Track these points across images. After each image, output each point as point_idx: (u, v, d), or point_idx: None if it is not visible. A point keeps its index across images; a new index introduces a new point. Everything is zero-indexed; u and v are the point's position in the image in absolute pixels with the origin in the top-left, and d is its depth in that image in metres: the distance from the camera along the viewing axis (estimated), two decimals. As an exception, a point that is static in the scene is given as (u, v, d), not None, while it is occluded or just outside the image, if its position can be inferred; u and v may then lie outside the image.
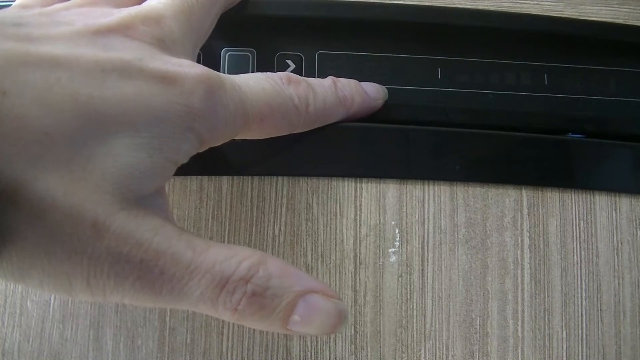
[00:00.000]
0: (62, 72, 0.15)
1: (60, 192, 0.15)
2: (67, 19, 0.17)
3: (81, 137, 0.15)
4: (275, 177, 0.24)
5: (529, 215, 0.25)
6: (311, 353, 0.23)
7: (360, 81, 0.25)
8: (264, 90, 0.20)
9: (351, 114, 0.24)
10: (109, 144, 0.16)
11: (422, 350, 0.24)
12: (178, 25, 0.20)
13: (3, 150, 0.14)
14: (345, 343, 0.24)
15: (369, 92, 0.25)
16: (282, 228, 0.24)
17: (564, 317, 0.24)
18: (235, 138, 0.21)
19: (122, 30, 0.18)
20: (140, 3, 0.21)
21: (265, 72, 0.22)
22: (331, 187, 0.25)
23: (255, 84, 0.20)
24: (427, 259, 0.24)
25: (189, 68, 0.18)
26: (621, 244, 0.25)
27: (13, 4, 0.20)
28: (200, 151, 0.19)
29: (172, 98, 0.17)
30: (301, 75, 0.23)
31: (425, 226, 0.25)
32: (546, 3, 0.27)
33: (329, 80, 0.24)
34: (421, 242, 0.25)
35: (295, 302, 0.17)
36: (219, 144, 0.20)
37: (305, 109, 0.22)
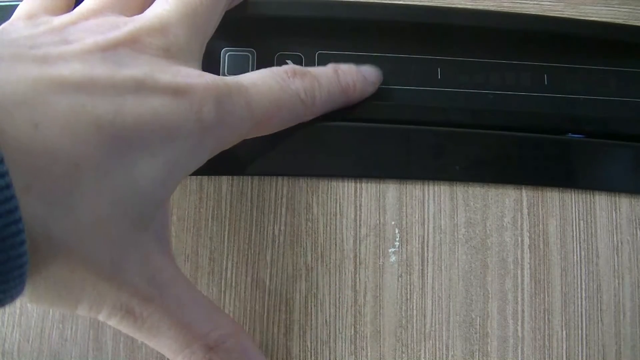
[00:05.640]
0: (85, 97, 0.16)
1: (84, 232, 0.16)
2: (77, 36, 0.18)
3: (105, 166, 0.16)
4: (275, 177, 0.24)
5: (529, 215, 0.25)
6: (311, 353, 0.23)
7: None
8: (270, 90, 0.21)
9: (351, 101, 0.25)
10: (129, 171, 0.16)
11: (422, 350, 0.24)
12: (183, 30, 0.20)
13: (36, 189, 0.14)
14: (345, 343, 0.24)
15: (367, 76, 0.25)
16: (282, 228, 0.24)
17: (564, 317, 0.24)
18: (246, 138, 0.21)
19: (129, 44, 0.18)
20: (145, 5, 0.21)
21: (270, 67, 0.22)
22: (331, 187, 0.25)
23: (263, 83, 0.21)
24: (427, 259, 0.24)
25: (198, 78, 0.19)
26: (621, 244, 0.25)
27: (17, 9, 0.20)
28: (212, 157, 0.20)
29: (184, 112, 0.18)
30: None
31: (425, 226, 0.25)
32: (546, 3, 0.27)
33: (331, 68, 0.24)
34: (421, 242, 0.25)
35: None
36: (230, 147, 0.21)
37: (312, 102, 0.23)
